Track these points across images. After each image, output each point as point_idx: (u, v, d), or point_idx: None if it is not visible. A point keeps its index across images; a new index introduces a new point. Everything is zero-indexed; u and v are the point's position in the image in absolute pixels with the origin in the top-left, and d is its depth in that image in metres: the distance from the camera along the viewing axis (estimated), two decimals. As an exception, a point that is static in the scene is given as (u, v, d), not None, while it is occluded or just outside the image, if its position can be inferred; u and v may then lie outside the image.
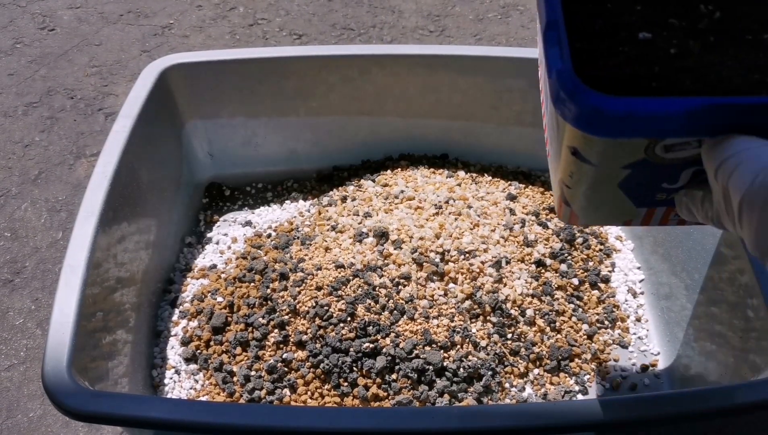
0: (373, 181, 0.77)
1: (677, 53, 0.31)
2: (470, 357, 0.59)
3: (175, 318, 0.67)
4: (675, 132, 0.31)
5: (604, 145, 0.33)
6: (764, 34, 0.32)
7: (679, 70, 0.31)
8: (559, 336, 0.63)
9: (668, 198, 0.38)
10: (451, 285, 0.63)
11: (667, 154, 0.33)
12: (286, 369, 0.60)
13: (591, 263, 0.71)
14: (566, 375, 0.62)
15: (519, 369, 0.60)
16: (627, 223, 0.43)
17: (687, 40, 0.31)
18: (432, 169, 0.78)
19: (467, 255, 0.65)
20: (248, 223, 0.76)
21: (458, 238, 0.66)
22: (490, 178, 0.78)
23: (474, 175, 0.78)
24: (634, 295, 0.70)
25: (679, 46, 0.31)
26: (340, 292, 0.61)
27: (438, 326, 0.60)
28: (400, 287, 0.62)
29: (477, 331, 0.61)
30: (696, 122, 0.30)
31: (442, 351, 0.59)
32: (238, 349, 0.62)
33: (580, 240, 0.72)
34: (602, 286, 0.70)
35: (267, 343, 0.61)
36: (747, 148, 0.29)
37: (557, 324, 0.64)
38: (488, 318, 0.62)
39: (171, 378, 0.63)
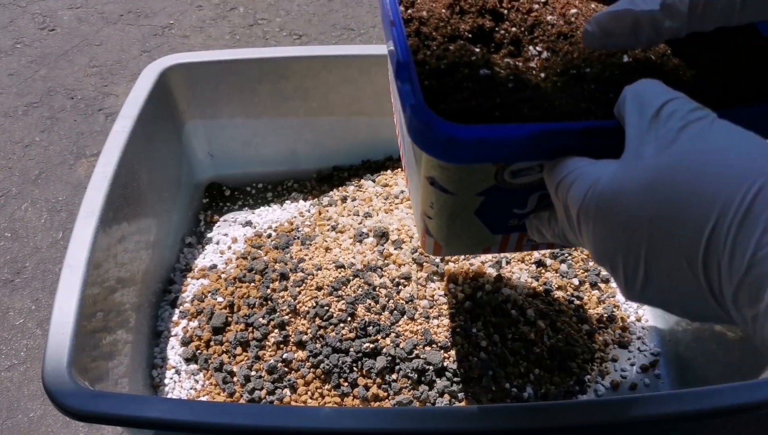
0: (374, 181, 0.77)
1: (515, 87, 0.34)
2: (470, 357, 0.59)
3: (175, 318, 0.67)
4: (519, 156, 0.34)
5: (458, 172, 0.36)
6: (586, 69, 0.36)
7: (518, 101, 0.34)
8: (559, 336, 0.63)
9: (520, 223, 0.42)
10: (452, 285, 0.63)
11: (514, 180, 0.37)
12: (286, 369, 0.60)
13: (591, 263, 0.71)
14: (566, 375, 0.62)
15: (519, 369, 0.60)
16: (486, 251, 0.47)
17: (522, 76, 0.35)
18: (432, 169, 0.78)
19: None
20: (248, 223, 0.77)
21: (458, 238, 0.66)
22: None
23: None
24: (634, 295, 0.70)
25: (516, 80, 0.35)
26: (340, 292, 0.61)
27: (438, 326, 0.60)
28: (400, 287, 0.62)
29: (477, 331, 0.61)
30: (536, 145, 0.33)
31: (442, 351, 0.59)
32: (239, 349, 0.62)
33: (580, 240, 0.72)
34: (602, 286, 0.70)
35: (267, 343, 0.61)
36: (579, 166, 0.32)
37: (557, 324, 0.64)
38: (488, 318, 0.62)
39: (171, 378, 0.63)
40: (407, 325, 0.60)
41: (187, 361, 0.63)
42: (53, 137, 1.21)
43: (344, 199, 0.75)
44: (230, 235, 0.75)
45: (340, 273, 0.63)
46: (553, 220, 0.38)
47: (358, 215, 0.71)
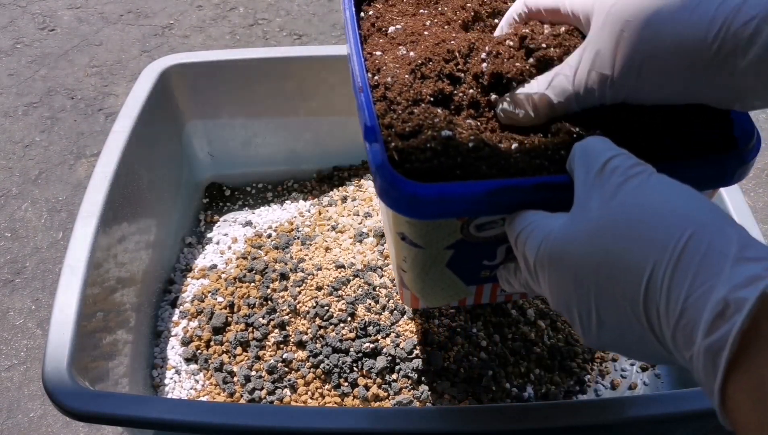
0: (373, 181, 0.77)
1: (474, 146, 0.37)
2: (470, 357, 0.59)
3: (175, 318, 0.67)
4: (479, 211, 0.36)
5: (425, 228, 0.38)
6: (538, 130, 0.38)
7: (477, 160, 0.36)
8: (559, 336, 0.63)
9: (491, 275, 0.44)
10: (451, 285, 0.63)
11: (480, 233, 0.39)
12: (286, 369, 0.60)
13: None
14: (566, 375, 0.62)
15: (519, 369, 0.60)
16: (462, 303, 0.49)
17: (481, 135, 0.38)
18: (432, 169, 0.78)
19: (467, 255, 0.65)
20: (248, 223, 0.77)
21: (458, 238, 0.66)
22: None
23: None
24: (634, 295, 0.70)
25: (475, 140, 0.37)
26: (340, 292, 0.61)
27: (438, 326, 0.60)
28: (400, 287, 0.62)
29: (477, 331, 0.61)
30: (494, 201, 0.35)
31: (442, 351, 0.59)
32: (239, 349, 0.62)
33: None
34: (602, 286, 0.70)
35: (267, 343, 0.61)
36: (534, 220, 0.34)
37: (557, 324, 0.64)
38: (488, 318, 0.62)
39: (171, 378, 0.63)
40: (407, 324, 0.60)
41: (187, 361, 0.63)
42: (53, 137, 1.21)
43: (344, 199, 0.75)
44: (230, 235, 0.75)
45: (340, 273, 0.63)
46: (518, 271, 0.40)
47: (358, 215, 0.71)
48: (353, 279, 0.62)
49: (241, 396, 0.59)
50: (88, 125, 1.23)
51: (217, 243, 0.75)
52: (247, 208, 0.81)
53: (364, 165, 0.83)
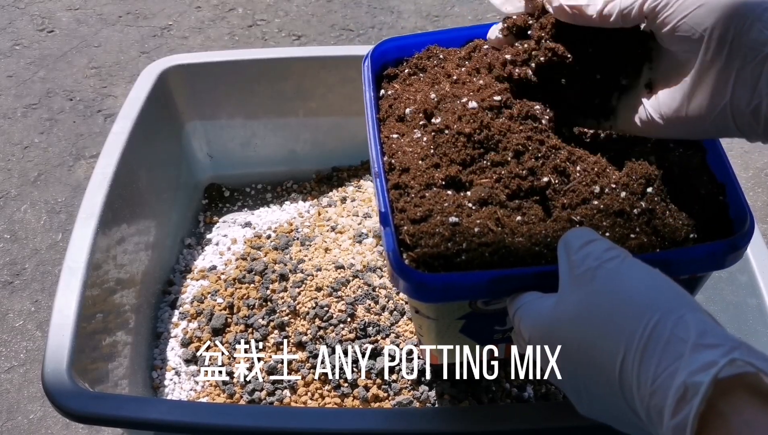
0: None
1: (479, 232, 0.39)
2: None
3: (174, 319, 0.67)
4: (482, 296, 0.40)
5: (436, 305, 0.42)
6: (540, 221, 0.41)
7: (480, 245, 0.39)
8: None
9: (504, 337, 0.47)
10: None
11: (487, 307, 0.42)
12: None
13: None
14: (566, 375, 0.62)
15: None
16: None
17: (485, 222, 0.40)
18: (431, 170, 0.78)
19: (467, 255, 0.65)
20: (248, 224, 0.76)
21: (458, 239, 0.66)
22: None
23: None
24: (634, 294, 0.70)
25: (480, 225, 0.40)
26: (339, 293, 0.61)
27: (438, 326, 0.60)
28: (399, 288, 0.62)
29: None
30: (495, 288, 0.38)
31: (442, 351, 0.59)
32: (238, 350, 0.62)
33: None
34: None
35: (267, 344, 0.61)
36: (529, 301, 0.37)
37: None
38: (488, 318, 0.62)
39: (171, 379, 0.63)
40: (407, 325, 0.60)
41: (187, 362, 0.63)
42: (52, 139, 1.21)
43: (344, 200, 0.75)
44: (230, 236, 0.75)
45: (339, 274, 0.63)
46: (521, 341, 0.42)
47: (358, 216, 0.71)
48: (353, 280, 0.62)
49: (241, 397, 0.59)
50: (87, 126, 1.23)
51: (217, 244, 0.75)
52: (246, 209, 0.81)
53: (363, 165, 0.83)
